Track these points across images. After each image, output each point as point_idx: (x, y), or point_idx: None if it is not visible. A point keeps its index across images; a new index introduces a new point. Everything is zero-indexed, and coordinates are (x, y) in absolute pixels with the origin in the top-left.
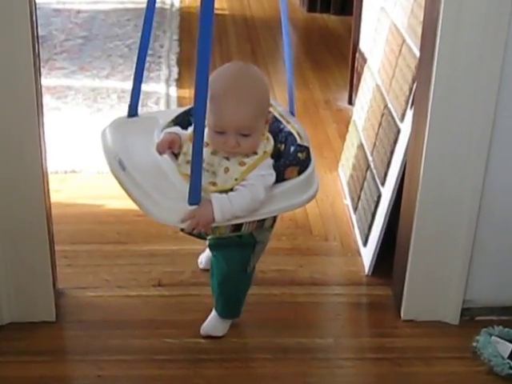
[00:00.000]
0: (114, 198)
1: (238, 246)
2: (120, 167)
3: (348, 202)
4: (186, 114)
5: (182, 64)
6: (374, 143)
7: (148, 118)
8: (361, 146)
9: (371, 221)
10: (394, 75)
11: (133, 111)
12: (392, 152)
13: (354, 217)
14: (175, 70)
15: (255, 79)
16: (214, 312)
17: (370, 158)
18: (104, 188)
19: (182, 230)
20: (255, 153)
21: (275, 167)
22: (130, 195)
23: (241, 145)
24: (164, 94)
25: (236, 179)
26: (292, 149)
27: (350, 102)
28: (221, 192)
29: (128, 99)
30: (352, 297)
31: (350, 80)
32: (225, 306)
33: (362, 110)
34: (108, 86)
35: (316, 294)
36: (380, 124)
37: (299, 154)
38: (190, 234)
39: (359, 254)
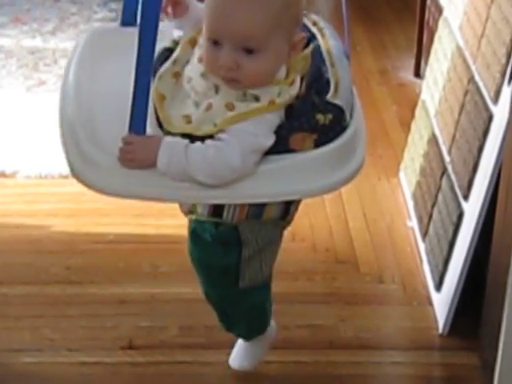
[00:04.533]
0: (62, 214)
1: (217, 241)
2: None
3: (414, 223)
4: None
5: None
6: (454, 136)
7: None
8: (433, 140)
9: (448, 253)
10: (483, 33)
11: (128, 16)
12: (480, 149)
13: (422, 246)
14: None
15: None
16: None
17: (448, 159)
18: (49, 200)
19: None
20: (257, 98)
21: (277, 130)
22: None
23: (241, 67)
24: None
25: (215, 125)
26: (311, 105)
27: (418, 74)
28: (186, 137)
29: None
30: (419, 367)
31: (418, 40)
32: (245, 329)
33: (436, 86)
34: (55, 47)
35: (365, 363)
36: (462, 106)
37: (319, 116)
38: None
39: (430, 303)
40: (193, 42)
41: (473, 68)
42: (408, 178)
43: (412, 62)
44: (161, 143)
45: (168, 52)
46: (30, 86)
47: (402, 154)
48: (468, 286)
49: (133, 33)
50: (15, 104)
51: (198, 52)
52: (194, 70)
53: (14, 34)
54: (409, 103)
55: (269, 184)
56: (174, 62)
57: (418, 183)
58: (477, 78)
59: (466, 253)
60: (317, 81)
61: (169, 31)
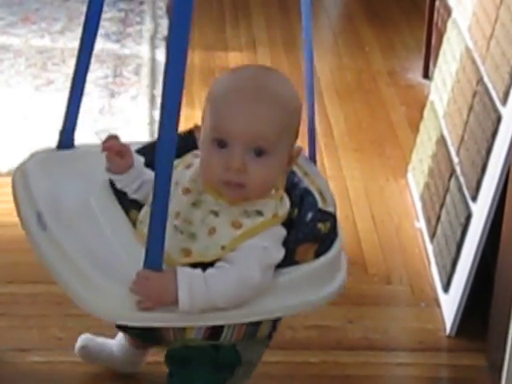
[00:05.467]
0: None
1: (211, 363)
2: (38, 224)
3: (422, 225)
4: (149, 150)
5: None
6: (462, 137)
7: (90, 152)
8: (442, 141)
9: (456, 254)
10: (492, 34)
11: (67, 139)
12: (489, 150)
13: (430, 248)
14: (165, 22)
15: (285, 84)
16: None
17: (456, 160)
18: None
19: (120, 327)
20: (260, 213)
21: (283, 242)
22: (50, 268)
23: (249, 171)
24: (148, 58)
25: (223, 247)
26: (309, 216)
27: (426, 75)
28: (195, 266)
29: (94, 65)
30: (427, 369)
31: (427, 41)
32: None
33: (444, 87)
34: (63, 47)
35: (373, 364)
36: (471, 108)
37: (320, 225)
38: (131, 329)
39: (438, 305)
40: None
41: (482, 69)
42: (416, 179)
43: (421, 63)
44: (177, 280)
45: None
46: (38, 85)
47: (411, 155)
48: (476, 288)
49: (76, 157)
50: (23, 103)
51: (179, 186)
52: (179, 203)
53: (22, 33)
54: (417, 104)
55: (285, 297)
56: (150, 204)
57: (427, 184)
58: (486, 79)
59: (473, 254)
60: (289, 191)
61: None
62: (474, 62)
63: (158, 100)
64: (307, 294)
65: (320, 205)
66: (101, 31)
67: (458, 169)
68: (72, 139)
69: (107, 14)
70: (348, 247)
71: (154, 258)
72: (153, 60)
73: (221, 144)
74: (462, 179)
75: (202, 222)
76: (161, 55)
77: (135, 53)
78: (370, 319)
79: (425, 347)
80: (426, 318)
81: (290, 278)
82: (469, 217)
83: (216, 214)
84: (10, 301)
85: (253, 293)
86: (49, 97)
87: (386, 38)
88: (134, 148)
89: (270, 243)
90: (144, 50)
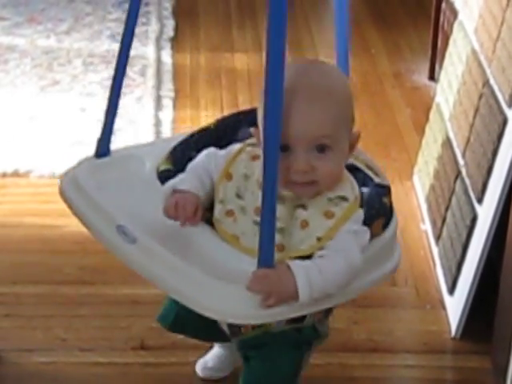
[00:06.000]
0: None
1: (293, 344)
2: (125, 238)
3: (427, 227)
4: (186, 146)
5: (181, 15)
6: (468, 139)
7: (127, 157)
8: (447, 143)
9: (462, 256)
10: (499, 36)
11: (103, 147)
12: (495, 152)
13: (435, 250)
14: (170, 23)
15: (333, 75)
16: None
17: (462, 162)
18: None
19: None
20: (344, 198)
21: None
22: (157, 281)
23: (316, 169)
24: (153, 59)
25: (319, 239)
26: (372, 191)
27: (432, 77)
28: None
29: (99, 66)
30: (432, 371)
31: (433, 43)
32: None
33: (450, 89)
34: (69, 47)
35: (377, 366)
36: (477, 110)
37: (384, 199)
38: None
39: (443, 307)
40: (228, 176)
41: (488, 71)
42: (422, 181)
43: (427, 65)
44: (294, 274)
45: (167, 172)
46: (43, 85)
47: (416, 157)
48: (481, 290)
49: (116, 164)
50: (29, 103)
51: (252, 180)
52: (259, 199)
53: (28, 33)
54: (423, 106)
55: (369, 273)
56: (221, 201)
57: (432, 186)
58: (492, 81)
59: (479, 256)
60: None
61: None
62: (480, 64)
63: (163, 101)
64: (386, 266)
65: (376, 179)
66: (106, 32)
67: (463, 171)
68: (108, 147)
69: (113, 14)
70: None
71: (268, 256)
72: (158, 61)
73: (283, 148)
74: (467, 181)
75: (291, 216)
76: (166, 56)
77: (141, 54)
78: (375, 321)
79: (430, 349)
80: (431, 320)
81: (372, 253)
82: (474, 219)
83: (304, 207)
84: (15, 301)
85: (355, 275)
86: (54, 97)
87: (392, 40)
88: (158, 152)
89: (358, 226)
90: (150, 51)
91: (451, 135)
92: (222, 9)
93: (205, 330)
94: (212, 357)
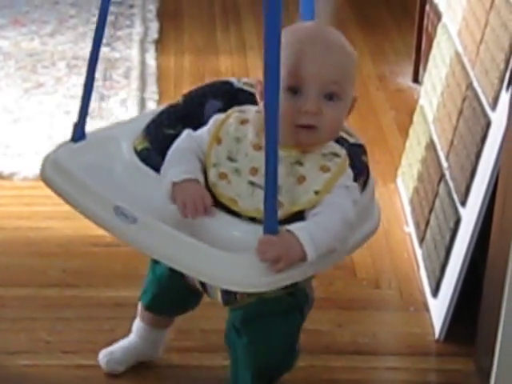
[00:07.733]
0: (59, 217)
1: (286, 311)
2: (125, 219)
3: (411, 229)
4: (159, 123)
5: (165, 18)
6: (452, 141)
7: (103, 138)
8: (431, 146)
9: (445, 258)
10: (482, 39)
11: (79, 132)
12: (478, 155)
13: (419, 252)
14: (155, 26)
15: (341, 36)
16: None
17: (445, 164)
18: (46, 202)
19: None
20: (337, 155)
21: None
22: (165, 258)
23: (323, 114)
24: (138, 61)
25: (317, 192)
26: (350, 151)
27: (416, 79)
28: (291, 217)
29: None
30: (415, 373)
31: (416, 46)
32: None
33: (434, 92)
34: (53, 50)
35: (361, 368)
36: (460, 112)
37: (363, 158)
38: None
39: (426, 309)
40: (218, 140)
41: (471, 74)
42: (405, 183)
43: (410, 68)
44: (297, 236)
45: (146, 151)
46: (27, 88)
47: (400, 160)
48: (464, 292)
49: (94, 146)
50: (13, 106)
51: (244, 142)
52: (254, 160)
53: (12, 35)
54: (407, 109)
55: (359, 229)
56: (214, 165)
57: (416, 189)
58: (475, 83)
59: (462, 259)
60: None
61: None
62: (463, 66)
63: (148, 103)
64: (370, 223)
65: (350, 139)
66: (91, 35)
67: (447, 173)
68: (84, 131)
69: (97, 17)
70: None
71: (272, 223)
72: (142, 63)
73: (293, 90)
74: (451, 184)
75: (288, 171)
76: (150, 59)
77: (125, 56)
78: (358, 323)
79: (413, 352)
80: (415, 323)
81: (359, 209)
82: (458, 221)
83: (300, 163)
84: None
85: (352, 228)
86: (38, 99)
87: (376, 42)
88: (131, 131)
89: (350, 182)
90: (134, 53)
91: (435, 138)
92: (207, 11)
93: (180, 309)
94: (119, 348)
